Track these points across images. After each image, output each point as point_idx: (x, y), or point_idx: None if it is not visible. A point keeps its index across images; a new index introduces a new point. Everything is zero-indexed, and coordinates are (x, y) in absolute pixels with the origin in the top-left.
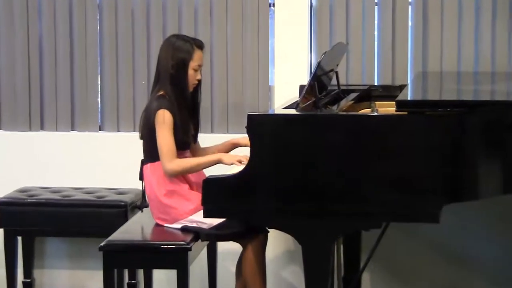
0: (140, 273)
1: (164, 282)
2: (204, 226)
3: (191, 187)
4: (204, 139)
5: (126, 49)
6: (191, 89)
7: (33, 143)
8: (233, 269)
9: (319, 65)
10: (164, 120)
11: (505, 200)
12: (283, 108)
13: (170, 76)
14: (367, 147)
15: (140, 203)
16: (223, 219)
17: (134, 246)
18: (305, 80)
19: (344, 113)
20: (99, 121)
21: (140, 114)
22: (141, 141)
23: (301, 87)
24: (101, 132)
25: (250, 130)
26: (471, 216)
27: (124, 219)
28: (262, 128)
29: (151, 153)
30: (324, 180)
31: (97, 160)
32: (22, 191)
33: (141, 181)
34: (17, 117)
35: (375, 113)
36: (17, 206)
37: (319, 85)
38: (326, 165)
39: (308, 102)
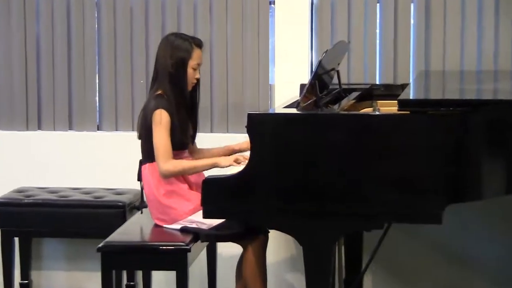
0: (139, 274)
1: (163, 283)
2: (204, 227)
3: (190, 187)
4: (204, 139)
5: (124, 47)
6: (190, 88)
7: (30, 142)
8: (233, 271)
9: (320, 63)
10: (161, 120)
11: (507, 200)
12: (284, 108)
13: (168, 75)
14: (369, 147)
15: (139, 203)
16: (223, 220)
17: (132, 247)
18: (306, 79)
19: (346, 112)
20: (97, 120)
21: (138, 113)
22: (140, 141)
23: (302, 86)
24: (99, 132)
25: (250, 129)
26: (472, 217)
27: (123, 219)
28: (263, 127)
29: (149, 153)
30: (325, 180)
31: (95, 160)
32: (19, 191)
33: (139, 182)
34: (14, 116)
35: (377, 113)
36: (14, 206)
37: (320, 84)
38: (327, 165)
39: (309, 101)
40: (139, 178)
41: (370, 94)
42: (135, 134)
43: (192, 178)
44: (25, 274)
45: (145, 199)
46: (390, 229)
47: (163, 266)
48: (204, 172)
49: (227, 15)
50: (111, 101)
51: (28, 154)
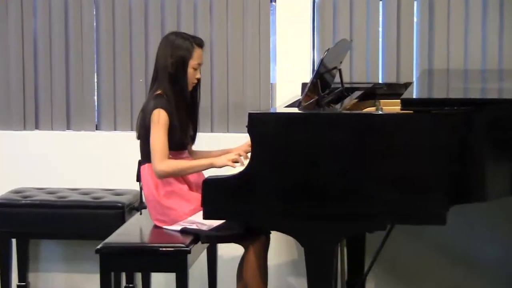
0: (138, 276)
1: (163, 285)
2: (204, 228)
3: (190, 188)
4: (204, 139)
5: (123, 46)
6: (190, 88)
7: (27, 142)
8: (234, 272)
9: (322, 62)
10: (159, 119)
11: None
12: (285, 107)
13: (168, 74)
14: (372, 147)
15: (138, 204)
16: (224, 221)
17: (131, 248)
18: (307, 78)
19: (348, 112)
20: (96, 120)
21: (137, 112)
22: (139, 141)
23: (304, 85)
24: (97, 131)
25: (251, 129)
26: (477, 217)
27: (122, 220)
28: (264, 127)
29: (148, 154)
30: (327, 181)
31: (94, 160)
32: (16, 192)
33: (138, 182)
34: (11, 115)
35: (380, 112)
36: (11, 207)
37: (322, 83)
38: (329, 165)
39: (311, 101)
40: (138, 179)
41: (372, 93)
42: (134, 134)
43: (192, 178)
44: (22, 276)
45: (144, 200)
46: (392, 230)
47: (162, 268)
48: (204, 172)
49: (228, 13)
50: (110, 100)
51: (25, 154)
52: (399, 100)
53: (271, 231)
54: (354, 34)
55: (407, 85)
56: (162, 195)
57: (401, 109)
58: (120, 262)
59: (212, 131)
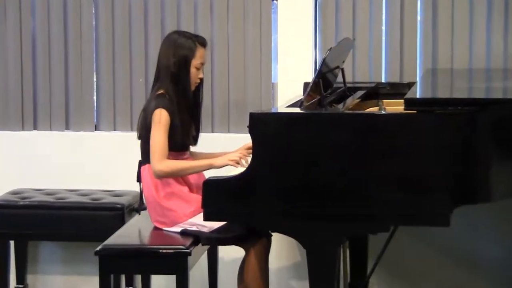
0: (138, 278)
1: None
2: (205, 230)
3: (190, 189)
4: (205, 139)
5: (123, 45)
6: (193, 88)
7: (26, 143)
8: (235, 275)
9: (324, 61)
10: (160, 119)
11: None
12: (287, 107)
13: (171, 74)
14: (375, 147)
15: (138, 205)
16: (224, 222)
17: (131, 250)
18: (309, 77)
19: (351, 111)
20: (95, 120)
21: (137, 112)
22: (139, 141)
23: (306, 84)
24: (97, 132)
25: (252, 129)
26: (480, 218)
27: (121, 222)
28: (265, 127)
29: (149, 154)
30: (329, 181)
31: (93, 160)
32: (14, 193)
33: (138, 183)
34: (9, 115)
35: (383, 112)
36: (9, 208)
37: (324, 82)
38: (331, 166)
39: (313, 100)
40: (139, 179)
41: (375, 92)
42: (134, 134)
43: (193, 180)
44: (20, 278)
45: (144, 201)
46: (396, 232)
47: (162, 270)
48: (204, 173)
49: (228, 11)
50: (109, 100)
51: (23, 154)
52: (402, 100)
53: (273, 233)
54: (357, 33)
55: (411, 84)
56: (162, 197)
57: (405, 109)
58: (120, 264)
59: (212, 131)
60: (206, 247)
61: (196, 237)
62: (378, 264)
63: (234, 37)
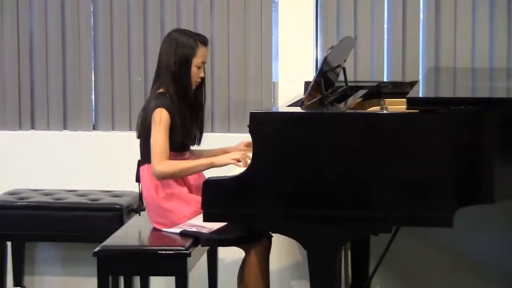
0: (137, 280)
1: None
2: (204, 231)
3: (190, 190)
4: (204, 139)
5: (121, 43)
6: (193, 87)
7: (23, 142)
8: (235, 276)
9: (325, 60)
10: (160, 119)
11: None
12: (288, 106)
13: (172, 73)
14: (376, 147)
15: (137, 206)
16: (224, 223)
17: (130, 251)
18: (310, 76)
19: (352, 111)
20: (93, 119)
21: (136, 111)
22: (138, 140)
23: (307, 83)
24: (95, 131)
25: (253, 129)
26: (484, 220)
27: (120, 223)
28: (265, 127)
29: (148, 154)
30: (331, 182)
31: (91, 160)
32: (11, 193)
33: (137, 183)
34: (6, 115)
35: (385, 112)
36: (7, 209)
37: (326, 81)
38: (332, 166)
39: (314, 100)
40: (138, 180)
41: (377, 92)
42: (132, 133)
43: (192, 180)
44: (18, 280)
45: (143, 201)
46: (398, 233)
47: (162, 271)
48: (204, 173)
49: (229, 10)
50: (108, 99)
51: (21, 154)
52: (404, 99)
53: (273, 234)
54: (359, 31)
55: (413, 83)
56: (162, 198)
57: (407, 109)
58: (118, 265)
59: (212, 131)
60: (206, 248)
61: (196, 238)
62: (380, 265)
63: (235, 35)
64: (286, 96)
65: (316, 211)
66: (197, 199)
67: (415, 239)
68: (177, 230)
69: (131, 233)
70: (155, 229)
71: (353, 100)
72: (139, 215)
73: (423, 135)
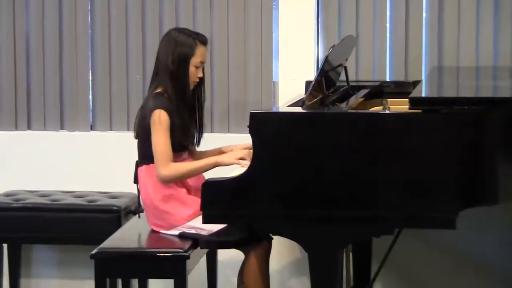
0: (135, 282)
1: None
2: (204, 233)
3: (189, 192)
4: (205, 139)
5: (119, 43)
6: (191, 87)
7: (19, 143)
8: (235, 279)
9: (326, 59)
10: (160, 121)
11: None
12: (288, 106)
13: (170, 72)
14: (378, 148)
15: (135, 207)
16: (224, 225)
17: (128, 254)
18: (311, 75)
19: (354, 111)
20: (91, 119)
21: (134, 111)
22: (136, 141)
23: (308, 83)
24: (92, 132)
25: (253, 129)
26: (487, 221)
27: (117, 225)
28: (266, 127)
29: (146, 155)
30: (332, 183)
31: (88, 161)
32: (7, 195)
33: (136, 184)
34: (2, 115)
35: (387, 111)
36: (3, 211)
37: (327, 81)
38: (333, 167)
39: (315, 99)
40: (136, 181)
41: (379, 91)
42: (130, 134)
43: (191, 182)
44: (14, 282)
45: (141, 203)
46: (400, 234)
47: (160, 274)
48: (204, 174)
49: (228, 8)
50: (105, 99)
51: (17, 155)
52: (407, 99)
53: (273, 236)
54: (360, 29)
55: (416, 83)
56: (160, 199)
57: (410, 109)
58: (116, 268)
59: (212, 131)
60: (205, 250)
61: (195, 240)
62: (383, 267)
63: (234, 34)
64: (286, 95)
65: (316, 211)
66: (196, 200)
67: (418, 240)
68: (175, 232)
69: (129, 235)
70: (153, 231)
71: (355, 100)
72: (138, 217)
73: (426, 135)
